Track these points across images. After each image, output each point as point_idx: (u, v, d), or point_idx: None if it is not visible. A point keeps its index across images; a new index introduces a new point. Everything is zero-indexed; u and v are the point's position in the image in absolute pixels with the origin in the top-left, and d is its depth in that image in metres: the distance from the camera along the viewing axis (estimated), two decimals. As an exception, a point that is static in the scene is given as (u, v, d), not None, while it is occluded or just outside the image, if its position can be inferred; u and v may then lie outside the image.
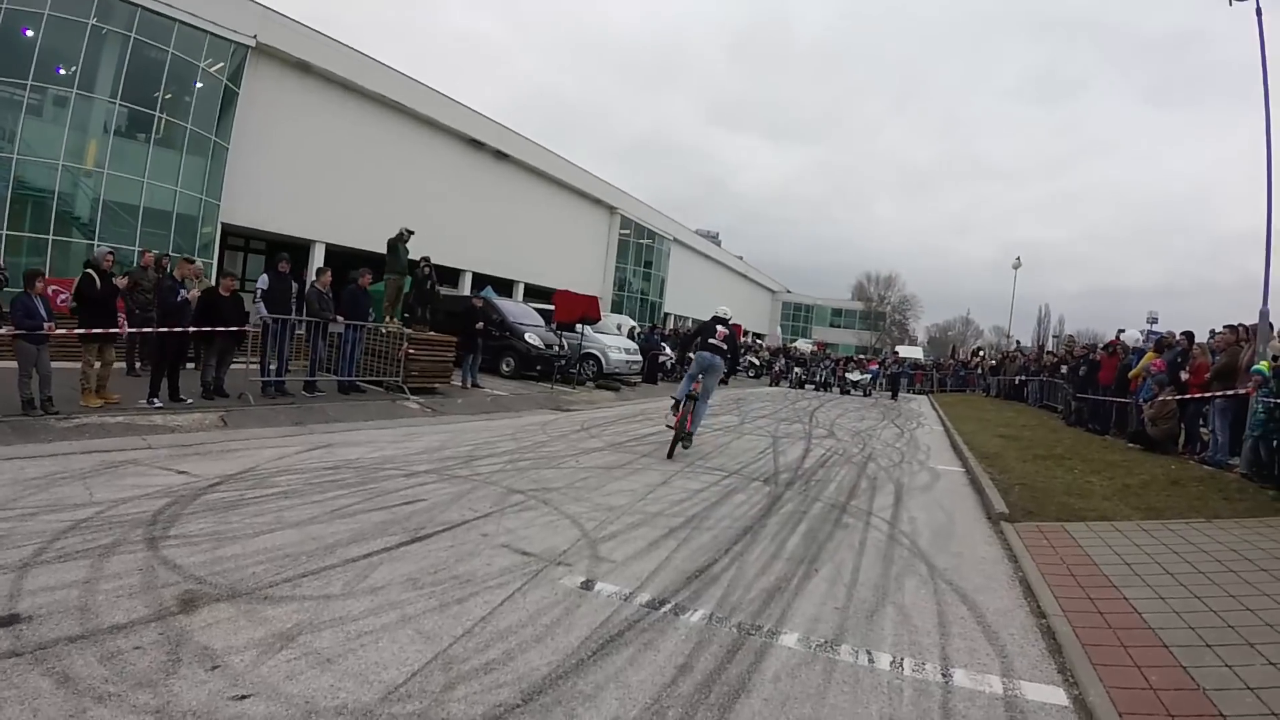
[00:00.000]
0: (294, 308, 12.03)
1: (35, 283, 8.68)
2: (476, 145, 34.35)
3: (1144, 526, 7.24)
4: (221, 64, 22.81)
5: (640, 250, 52.25)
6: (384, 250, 15.32)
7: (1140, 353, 15.00)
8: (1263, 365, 9.69)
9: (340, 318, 12.26)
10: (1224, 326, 12.23)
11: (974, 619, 4.87)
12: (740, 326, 12.86)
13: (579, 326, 20.64)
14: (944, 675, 3.95)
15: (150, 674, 3.18)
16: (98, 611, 3.75)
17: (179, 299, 10.44)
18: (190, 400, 10.22)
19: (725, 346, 11.29)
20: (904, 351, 60.35)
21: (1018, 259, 46.32)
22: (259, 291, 11.59)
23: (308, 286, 12.67)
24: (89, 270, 9.53)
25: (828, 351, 50.65)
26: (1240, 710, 3.57)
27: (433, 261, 16.24)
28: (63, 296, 12.07)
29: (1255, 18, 11.36)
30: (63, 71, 19.26)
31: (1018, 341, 49.36)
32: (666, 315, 54.62)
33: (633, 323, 31.45)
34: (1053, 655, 4.36)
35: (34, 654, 3.25)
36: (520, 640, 3.84)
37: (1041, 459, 11.79)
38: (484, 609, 4.22)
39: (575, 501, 7.07)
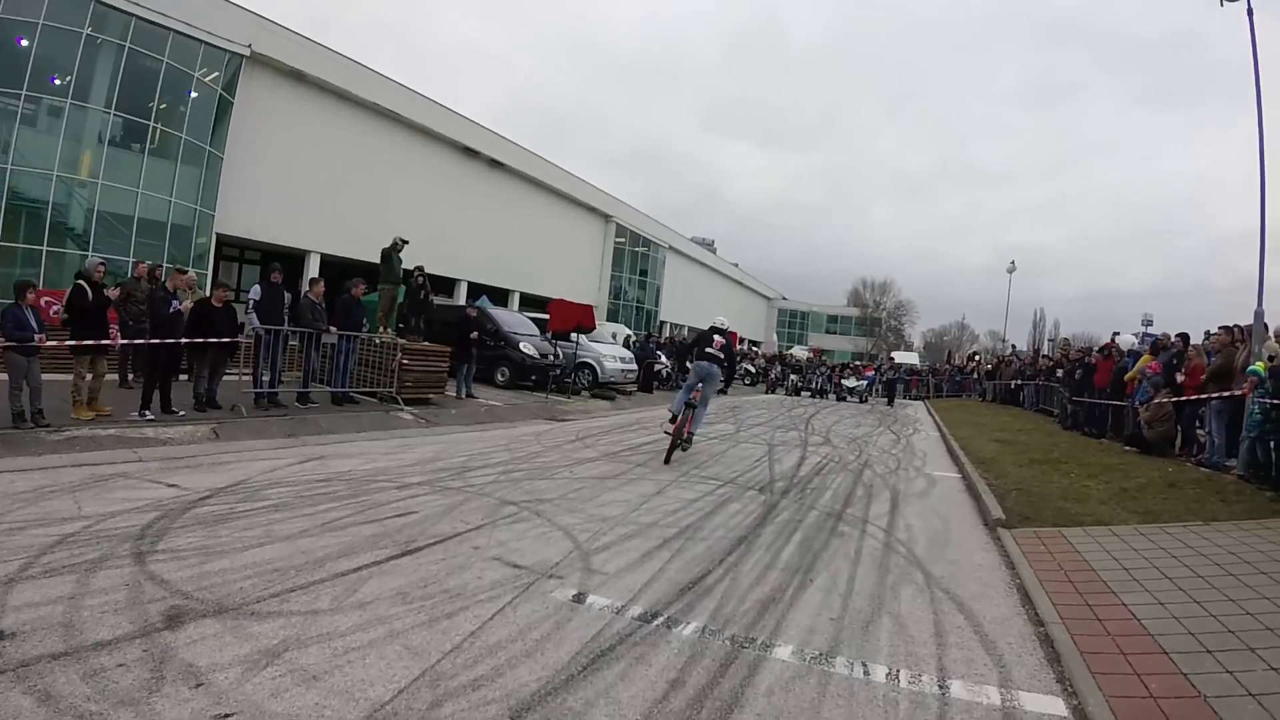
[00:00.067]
0: (286, 318, 11.99)
1: (26, 294, 8.63)
2: (471, 154, 34.37)
3: (1141, 530, 7.22)
4: (216, 73, 22.80)
5: (635, 258, 52.27)
6: (379, 260, 15.27)
7: (1136, 355, 14.98)
8: (1259, 366, 9.73)
9: (333, 328, 12.21)
10: (1219, 328, 12.27)
11: (971, 628, 4.82)
12: (735, 334, 12.91)
13: (574, 335, 20.59)
14: (941, 686, 3.91)
15: (133, 692, 3.13)
16: (82, 628, 3.70)
17: (171, 310, 10.38)
18: (182, 412, 10.15)
19: (722, 356, 11.48)
20: (900, 357, 60.26)
21: (1012, 263, 46.48)
22: (251, 302, 11.56)
23: (301, 297, 12.61)
24: (80, 281, 9.48)
25: (824, 358, 50.61)
26: (1242, 717, 3.54)
27: (427, 271, 16.22)
28: (55, 308, 12.02)
29: (1247, 18, 11.36)
30: (57, 81, 19.25)
31: (1013, 346, 49.36)
32: (662, 323, 54.60)
33: (628, 331, 31.42)
34: (1051, 664, 4.32)
35: (16, 671, 3.21)
36: (510, 655, 3.80)
37: (1038, 463, 11.77)
38: (474, 624, 4.17)
39: (569, 513, 7.01)
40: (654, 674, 3.77)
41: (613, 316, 44.38)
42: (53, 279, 17.62)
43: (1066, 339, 48.87)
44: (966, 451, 13.50)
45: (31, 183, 18.78)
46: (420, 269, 15.83)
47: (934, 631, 4.70)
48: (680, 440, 10.99)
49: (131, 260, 17.22)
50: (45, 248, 18.84)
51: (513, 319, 22.26)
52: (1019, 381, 29.34)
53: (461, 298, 32.00)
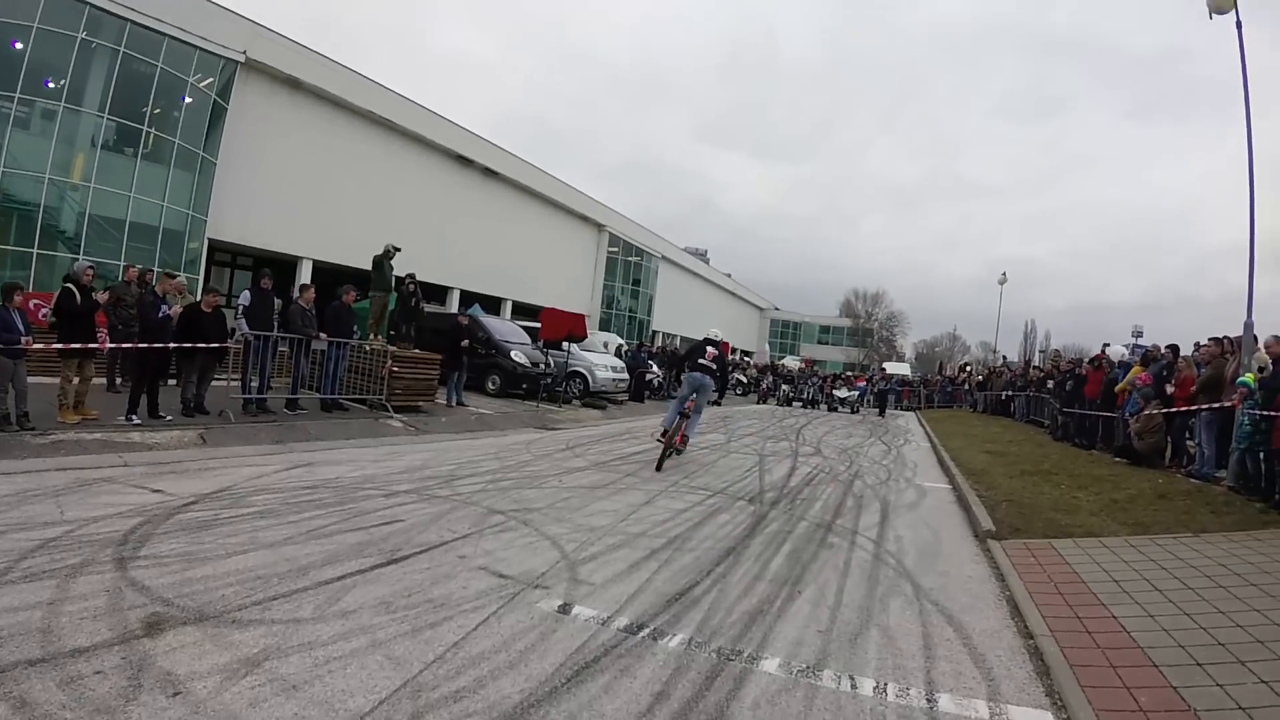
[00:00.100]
0: (276, 324, 11.94)
1: (13, 296, 8.58)
2: (465, 162, 34.38)
3: (1131, 542, 7.21)
4: (211, 79, 22.79)
5: (628, 268, 52.31)
6: (370, 267, 15.23)
7: (1126, 367, 15.04)
8: (1248, 377, 9.79)
9: (323, 335, 12.16)
10: (1209, 339, 12.34)
11: (960, 640, 4.79)
12: (726, 344, 13.08)
13: (565, 344, 20.55)
14: (929, 700, 3.87)
15: (109, 700, 3.10)
16: (60, 634, 3.66)
17: (161, 315, 10.33)
18: (170, 417, 10.10)
19: (715, 367, 11.71)
20: (891, 368, 60.47)
21: (1003, 274, 46.56)
22: (240, 308, 11.50)
23: (291, 303, 12.56)
24: (69, 285, 9.43)
25: (816, 369, 50.66)
26: (1231, 732, 3.52)
27: (420, 278, 16.19)
28: (44, 311, 11.96)
29: (1235, 31, 11.40)
30: (51, 84, 19.21)
31: (1004, 357, 49.39)
32: (655, 333, 54.58)
33: (620, 340, 31.39)
34: (1040, 677, 4.29)
35: (-9, 678, 3.16)
36: (493, 667, 3.75)
37: (1028, 474, 11.76)
38: (457, 634, 4.12)
39: (556, 522, 6.97)
40: (638, 687, 3.73)
41: (605, 326, 44.39)
42: (44, 282, 17.55)
43: (1057, 350, 48.76)
44: (957, 462, 13.50)
45: (23, 185, 18.74)
46: (411, 276, 15.81)
47: (923, 644, 4.66)
48: (672, 448, 11.21)
49: (122, 264, 17.18)
50: (36, 250, 18.78)
51: (504, 327, 22.24)
52: (1010, 392, 29.38)
53: (454, 305, 31.97)
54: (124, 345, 10.82)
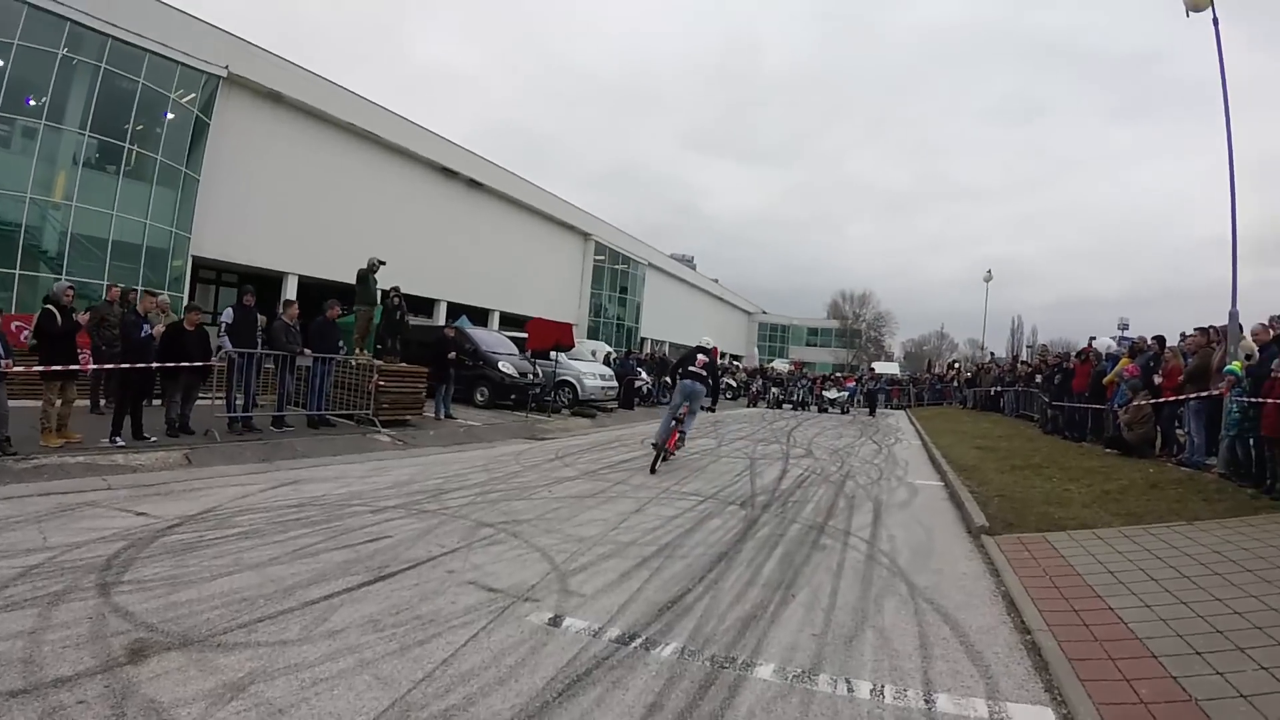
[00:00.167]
0: (260, 341, 11.86)
1: (-7, 319, 8.50)
2: (449, 174, 34.41)
3: (1125, 533, 7.23)
4: (193, 95, 22.76)
5: (615, 276, 52.38)
6: (356, 281, 15.16)
7: (1115, 359, 15.08)
8: (1235, 365, 9.88)
9: (307, 350, 12.08)
10: (1195, 329, 12.42)
11: (956, 639, 4.77)
12: (716, 349, 13.25)
13: (553, 354, 20.50)
14: (926, 701, 3.85)
15: (92, 731, 3.02)
16: (42, 663, 3.58)
17: (143, 334, 10.24)
18: (154, 438, 9.98)
19: (705, 374, 11.99)
20: (880, 368, 60.63)
21: (988, 272, 46.91)
22: (223, 325, 11.42)
23: (274, 319, 12.48)
24: (49, 306, 9.32)
25: (805, 371, 50.69)
26: None
27: (406, 291, 16.14)
28: (25, 333, 11.86)
29: (1213, 28, 11.48)
30: (32, 102, 19.13)
31: (992, 353, 49.53)
32: (643, 340, 54.62)
33: (608, 348, 31.35)
34: (1039, 672, 4.27)
35: (-29, 711, 3.09)
36: (483, 683, 3.70)
37: (1019, 469, 11.81)
38: (446, 650, 4.06)
39: (546, 533, 6.91)
40: (631, 698, 3.68)
41: (593, 334, 44.43)
42: (26, 303, 17.43)
43: (1044, 345, 49.21)
44: (948, 459, 13.54)
45: (4, 205, 18.69)
46: (396, 289, 15.74)
47: (919, 644, 4.64)
48: (665, 452, 11.53)
49: (106, 284, 17.07)
50: (18, 271, 18.68)
51: (491, 338, 22.17)
52: (999, 388, 29.51)
53: (441, 318, 31.97)
54: (106, 366, 10.72)
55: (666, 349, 53.39)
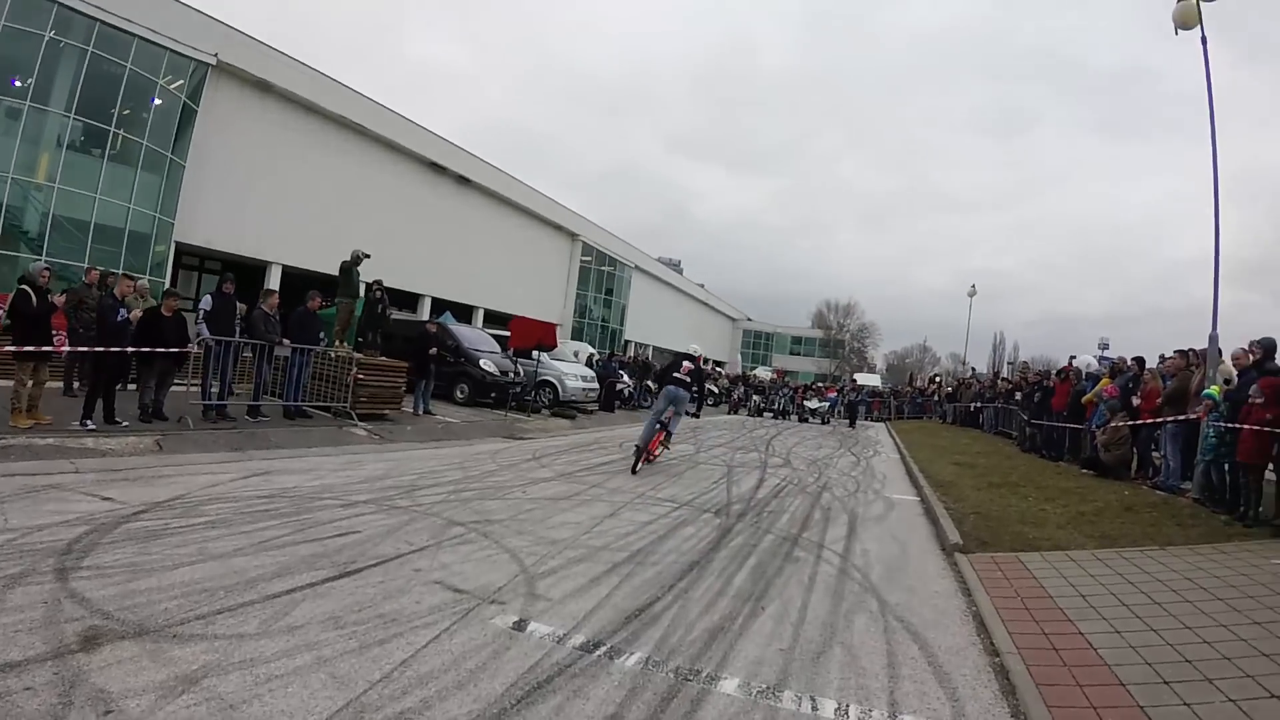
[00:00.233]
0: (239, 330, 11.77)
1: (-34, 298, 8.39)
2: (438, 170, 34.28)
3: (1098, 555, 7.23)
4: (181, 81, 22.58)
5: (601, 277, 52.35)
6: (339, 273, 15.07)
7: (1095, 378, 15.16)
8: (1213, 390, 9.94)
9: (286, 340, 11.98)
10: (1174, 351, 12.48)
11: (925, 659, 4.72)
12: (701, 357, 13.54)
13: (535, 353, 20.44)
14: (890, 722, 3.80)
15: (37, 718, 2.96)
16: (-9, 648, 3.50)
17: (119, 318, 10.14)
18: (126, 423, 9.87)
19: (690, 380, 12.44)
20: (862, 379, 60.64)
21: (973, 287, 47.03)
22: (201, 312, 11.34)
23: (253, 308, 12.37)
24: (24, 286, 9.21)
25: (787, 379, 50.79)
26: (1199, 754, 3.48)
27: (392, 286, 16.07)
28: None
29: (1200, 46, 11.57)
30: (18, 83, 18.91)
31: (973, 369, 49.72)
32: (627, 343, 54.61)
33: (591, 350, 31.31)
34: (1006, 697, 4.23)
35: (-87, 695, 3.02)
36: (441, 687, 3.63)
37: (996, 486, 11.78)
38: (406, 651, 3.99)
39: (517, 534, 6.84)
40: (591, 709, 3.61)
41: (578, 335, 44.38)
42: (6, 283, 17.21)
43: (1025, 363, 49.36)
44: (926, 474, 13.52)
45: (-14, 185, 18.39)
46: (379, 283, 15.67)
47: (887, 663, 4.59)
48: (647, 452, 11.93)
49: (85, 266, 16.91)
50: (-3, 251, 18.45)
51: (474, 335, 22.13)
52: (979, 404, 29.61)
53: (425, 313, 31.83)
54: (81, 349, 10.61)
55: (650, 352, 53.41)
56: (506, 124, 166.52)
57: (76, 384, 12.01)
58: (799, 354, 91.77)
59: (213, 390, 11.31)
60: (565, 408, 21.25)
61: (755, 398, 37.82)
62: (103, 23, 19.97)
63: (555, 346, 22.23)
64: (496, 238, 38.82)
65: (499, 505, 8.12)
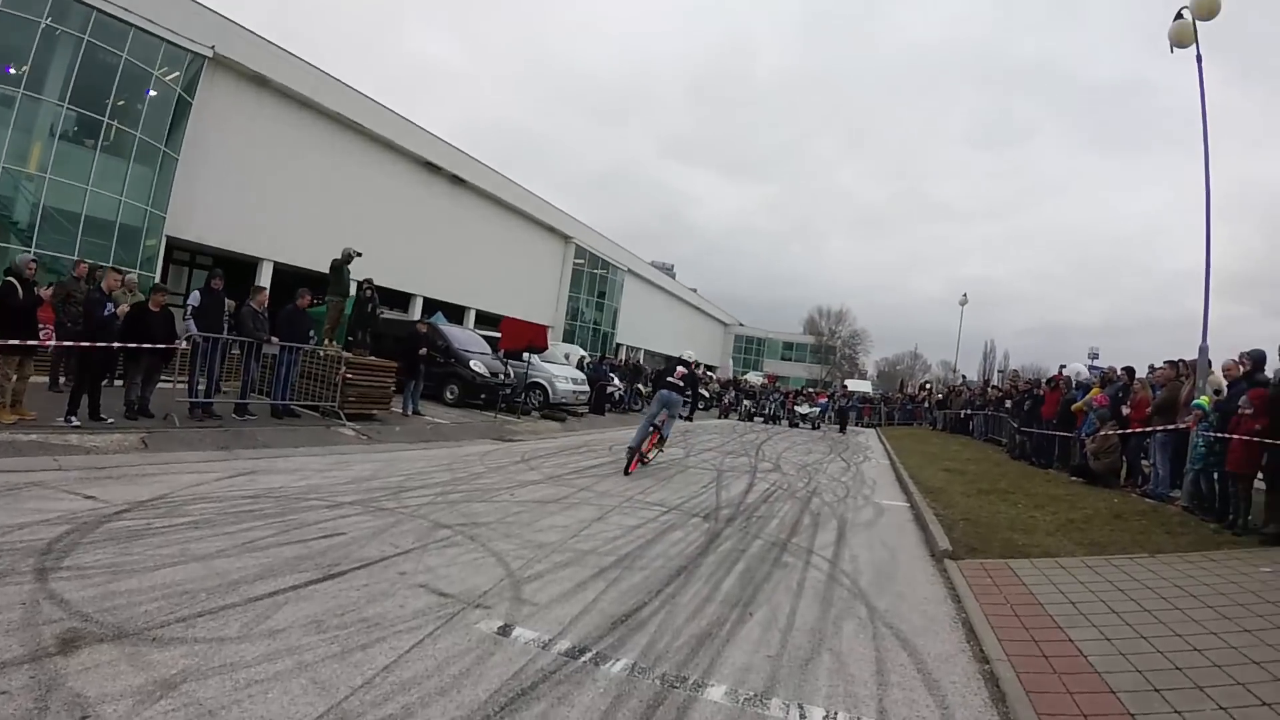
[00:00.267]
0: (227, 326, 11.69)
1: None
2: (433, 169, 34.23)
3: (1088, 563, 7.22)
4: (176, 73, 22.48)
5: (594, 280, 52.36)
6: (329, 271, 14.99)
7: (1086, 387, 15.21)
8: (1203, 400, 10.02)
9: (274, 339, 11.91)
10: (1164, 362, 12.56)
11: (914, 666, 4.70)
12: (695, 362, 13.82)
13: (526, 355, 20.39)
14: (879, 732, 3.76)
15: (10, 724, 2.90)
16: (-34, 650, 3.44)
17: (106, 313, 10.05)
18: (111, 420, 9.77)
19: (683, 385, 12.83)
20: (853, 385, 61.02)
21: (964, 295, 47.06)
22: (189, 308, 11.26)
23: (242, 305, 12.29)
24: (9, 278, 9.11)
25: (778, 385, 50.84)
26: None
27: (384, 285, 16.00)
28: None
29: (1195, 64, 11.63)
30: (12, 70, 18.77)
31: (964, 376, 50.05)
32: (619, 346, 54.59)
33: (582, 352, 31.28)
34: (995, 704, 4.21)
35: (-115, 699, 2.96)
36: (423, 693, 3.58)
37: (986, 493, 11.80)
38: (389, 656, 3.94)
39: (504, 538, 6.79)
40: (575, 716, 3.57)
41: (569, 337, 44.38)
42: (-7, 275, 17.13)
43: (1016, 371, 49.59)
44: (915, 480, 13.53)
45: (-24, 174, 18.28)
46: (369, 281, 15.59)
47: (875, 670, 4.56)
48: (640, 453, 12.21)
49: (75, 259, 16.80)
50: (-14, 241, 18.33)
51: (464, 336, 22.06)
52: (969, 411, 29.76)
53: (417, 313, 31.72)
54: (66, 344, 10.51)
55: (641, 356, 53.42)
56: (502, 123, 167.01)
57: (63, 379, 11.92)
58: (790, 359, 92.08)
59: (200, 388, 11.22)
60: (555, 410, 21.17)
61: (746, 402, 37.85)
62: (100, 11, 19.85)
63: (546, 348, 22.20)
64: (489, 238, 38.77)
65: (486, 508, 8.06)
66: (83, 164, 20.34)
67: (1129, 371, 13.67)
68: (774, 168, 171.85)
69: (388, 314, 20.98)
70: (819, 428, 33.60)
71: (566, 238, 48.14)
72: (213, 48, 23.06)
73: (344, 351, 13.88)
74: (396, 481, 8.99)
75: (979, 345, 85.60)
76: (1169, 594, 6.06)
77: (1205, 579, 6.51)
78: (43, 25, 18.79)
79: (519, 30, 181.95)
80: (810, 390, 48.20)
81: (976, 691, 4.38)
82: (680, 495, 10.35)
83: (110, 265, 14.42)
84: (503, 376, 19.47)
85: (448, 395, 19.36)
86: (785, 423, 34.67)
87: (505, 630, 4.53)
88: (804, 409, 35.41)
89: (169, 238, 23.04)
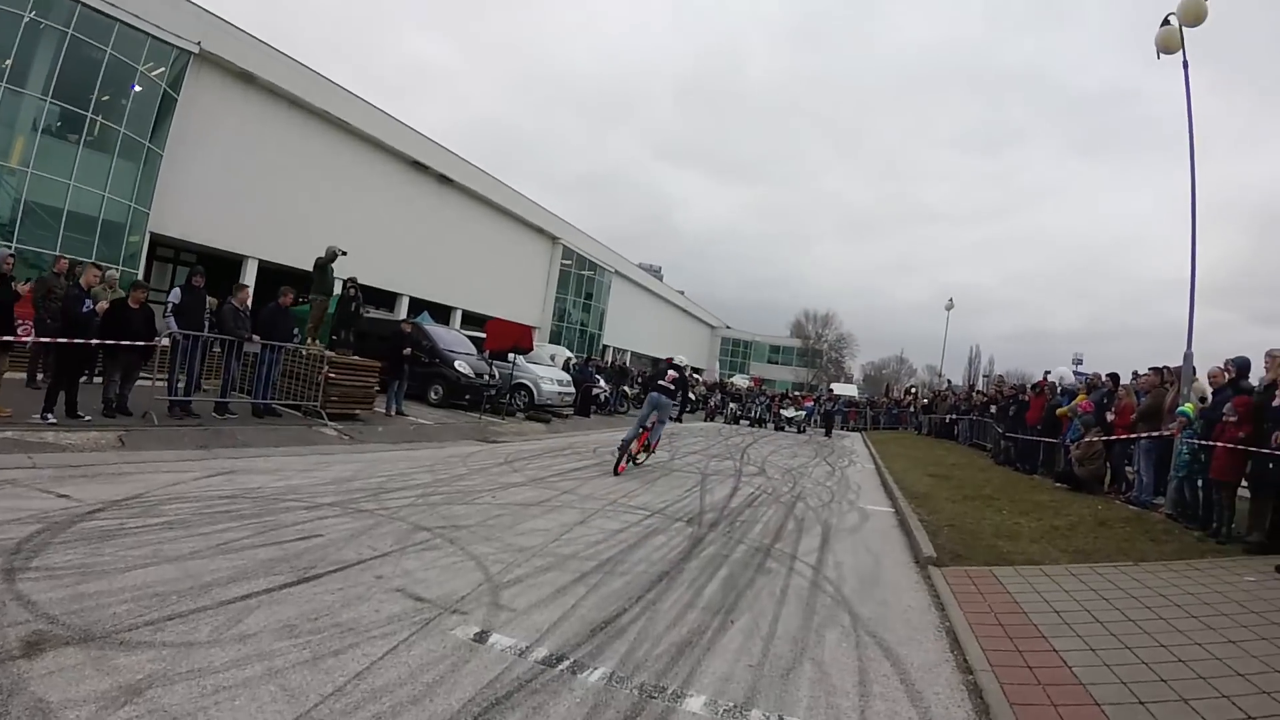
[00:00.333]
0: (208, 324, 11.57)
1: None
2: (420, 168, 34.19)
3: (1072, 570, 7.19)
4: (162, 69, 22.39)
5: (581, 281, 52.40)
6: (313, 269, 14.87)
7: (1072, 393, 15.24)
8: (1188, 408, 10.06)
9: (256, 337, 11.80)
10: (1149, 369, 12.61)
11: (897, 676, 4.64)
12: (687, 367, 14.12)
13: (511, 356, 20.31)
14: (860, 745, 3.70)
15: (-32, 730, 2.82)
16: (-74, 653, 3.34)
17: (85, 309, 9.93)
18: (88, 417, 9.65)
19: (674, 388, 13.17)
20: (839, 389, 61.12)
21: (950, 301, 47.23)
22: (170, 305, 11.13)
23: (223, 302, 12.17)
24: (-14, 275, 9.00)
25: (764, 388, 50.91)
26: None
27: (370, 284, 15.91)
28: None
29: (1182, 70, 11.67)
30: (-5, 64, 18.65)
31: (949, 381, 50.15)
32: (605, 347, 54.58)
33: (568, 353, 31.23)
34: (979, 717, 4.16)
35: None
36: (395, 702, 3.49)
37: (970, 499, 11.80)
38: (361, 663, 3.85)
39: (484, 541, 6.70)
40: (551, 727, 3.50)
41: (556, 338, 44.40)
42: (-29, 270, 16.96)
43: (1001, 376, 49.76)
44: (900, 485, 13.53)
45: (-45, 168, 18.12)
46: (352, 280, 15.49)
47: (858, 680, 4.50)
48: (629, 452, 12.52)
49: (56, 255, 16.64)
50: (-35, 237, 18.16)
51: (449, 336, 21.96)
52: (954, 416, 29.82)
53: (403, 313, 31.63)
54: (44, 340, 10.38)
55: (628, 358, 53.44)
56: (491, 123, 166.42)
57: (40, 375, 11.76)
58: (777, 363, 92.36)
59: (179, 386, 11.08)
60: (540, 411, 21.08)
61: (732, 405, 37.85)
62: (84, 5, 19.74)
63: (531, 349, 22.14)
64: (477, 238, 38.73)
65: (467, 510, 7.97)
66: (66, 159, 20.24)
67: (1114, 378, 13.72)
68: (762, 171, 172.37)
69: (373, 313, 20.93)
70: (804, 431, 33.62)
71: (554, 238, 48.15)
72: (199, 44, 22.97)
73: (327, 351, 13.76)
74: (377, 482, 8.89)
75: (964, 350, 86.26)
76: (1153, 603, 6.05)
77: (1190, 588, 6.51)
78: (26, 19, 18.67)
79: (510, 30, 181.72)
80: (796, 393, 48.30)
81: (960, 703, 4.32)
82: (664, 499, 10.29)
83: (90, 261, 14.24)
84: (488, 377, 19.39)
85: (432, 396, 19.26)
86: (771, 426, 34.66)
87: (481, 637, 4.45)
88: (790, 412, 35.43)
89: (153, 234, 22.94)
